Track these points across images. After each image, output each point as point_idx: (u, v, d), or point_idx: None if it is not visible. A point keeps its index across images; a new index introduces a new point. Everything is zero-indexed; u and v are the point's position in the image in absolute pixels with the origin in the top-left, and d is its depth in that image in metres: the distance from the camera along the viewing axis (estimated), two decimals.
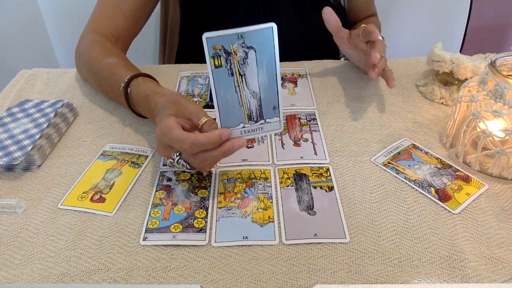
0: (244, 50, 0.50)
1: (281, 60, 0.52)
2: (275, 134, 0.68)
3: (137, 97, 0.65)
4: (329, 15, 0.72)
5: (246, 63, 0.50)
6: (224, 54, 0.49)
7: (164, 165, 0.63)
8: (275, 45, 0.50)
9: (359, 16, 0.98)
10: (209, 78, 0.50)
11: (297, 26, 0.90)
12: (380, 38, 0.68)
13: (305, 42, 0.92)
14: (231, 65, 0.50)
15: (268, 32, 0.49)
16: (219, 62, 0.49)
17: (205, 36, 0.48)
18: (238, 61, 0.50)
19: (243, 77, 0.51)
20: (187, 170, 0.56)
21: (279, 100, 0.53)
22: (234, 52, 0.49)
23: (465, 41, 1.55)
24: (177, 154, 0.54)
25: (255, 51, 0.50)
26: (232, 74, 0.50)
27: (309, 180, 0.60)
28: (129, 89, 0.66)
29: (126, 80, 0.66)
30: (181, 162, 0.54)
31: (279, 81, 0.52)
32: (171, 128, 0.52)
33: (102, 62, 0.73)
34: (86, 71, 0.78)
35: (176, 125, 0.53)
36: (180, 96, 0.58)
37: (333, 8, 0.71)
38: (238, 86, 0.51)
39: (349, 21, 0.97)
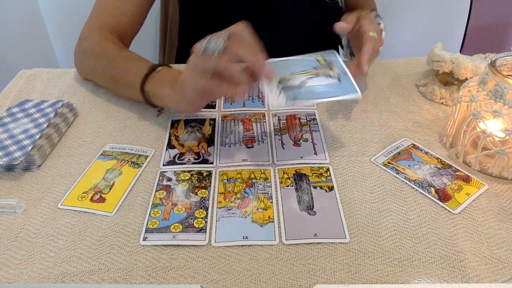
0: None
1: None
2: (275, 134, 0.68)
3: (160, 77, 0.67)
4: (341, 31, 0.72)
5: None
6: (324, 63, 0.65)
7: (164, 165, 0.63)
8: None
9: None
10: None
11: (297, 26, 0.90)
12: (374, 35, 0.69)
13: (305, 42, 0.92)
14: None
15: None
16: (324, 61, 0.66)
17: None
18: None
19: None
20: (219, 45, 0.54)
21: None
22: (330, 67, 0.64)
23: (465, 41, 1.55)
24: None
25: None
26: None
27: (309, 180, 0.60)
28: (154, 72, 0.67)
29: (152, 66, 0.67)
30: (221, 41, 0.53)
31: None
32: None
33: (119, 54, 0.74)
34: (94, 63, 0.77)
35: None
36: None
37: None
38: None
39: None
